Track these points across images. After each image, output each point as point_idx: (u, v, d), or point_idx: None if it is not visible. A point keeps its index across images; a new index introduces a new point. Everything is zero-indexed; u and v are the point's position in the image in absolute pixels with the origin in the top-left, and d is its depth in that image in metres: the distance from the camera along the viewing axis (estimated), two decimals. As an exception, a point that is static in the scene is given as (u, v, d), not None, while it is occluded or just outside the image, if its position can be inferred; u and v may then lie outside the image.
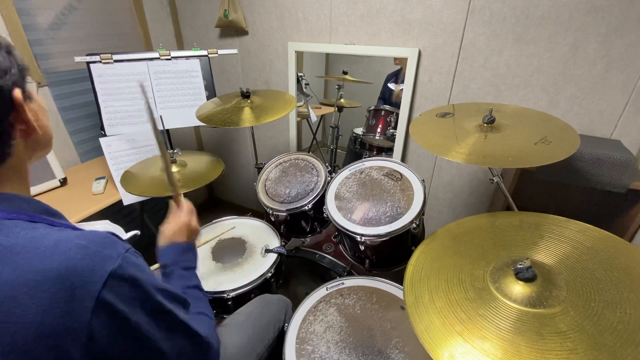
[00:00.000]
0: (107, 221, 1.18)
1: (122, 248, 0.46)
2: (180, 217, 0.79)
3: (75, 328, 0.39)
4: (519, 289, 0.63)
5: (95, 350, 0.41)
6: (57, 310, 0.39)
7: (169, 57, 1.55)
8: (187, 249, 0.77)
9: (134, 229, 1.16)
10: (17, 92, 0.45)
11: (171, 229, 0.77)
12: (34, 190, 1.38)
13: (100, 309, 0.41)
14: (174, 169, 1.27)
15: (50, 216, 0.50)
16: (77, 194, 1.43)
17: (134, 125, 1.53)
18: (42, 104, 0.52)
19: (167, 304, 0.52)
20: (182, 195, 0.83)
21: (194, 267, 0.76)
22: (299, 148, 2.01)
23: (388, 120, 1.63)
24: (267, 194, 1.30)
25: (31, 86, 0.49)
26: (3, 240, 0.41)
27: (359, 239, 1.01)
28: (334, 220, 1.08)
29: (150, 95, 1.55)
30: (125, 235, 1.12)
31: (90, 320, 0.40)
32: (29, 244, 0.41)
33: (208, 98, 1.64)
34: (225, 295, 1.04)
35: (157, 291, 0.50)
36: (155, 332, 0.48)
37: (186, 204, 0.82)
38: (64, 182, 1.47)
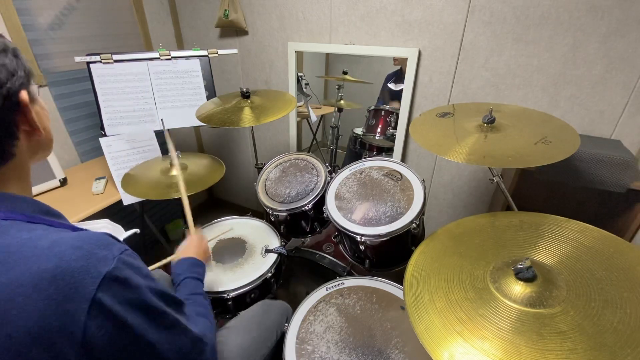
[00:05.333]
0: (107, 220, 1.18)
1: (118, 250, 0.46)
2: (193, 239, 0.94)
3: (70, 329, 0.39)
4: (519, 289, 0.63)
5: (91, 352, 0.41)
6: (53, 312, 0.39)
7: (169, 57, 1.55)
8: (197, 264, 0.87)
9: (133, 229, 1.16)
10: (24, 94, 0.46)
11: (185, 247, 0.91)
12: (34, 190, 1.38)
13: (96, 310, 0.41)
14: (174, 172, 1.27)
15: (51, 217, 0.50)
16: (77, 194, 1.43)
17: (134, 125, 1.53)
18: (44, 106, 0.53)
19: (163, 305, 0.52)
20: (194, 225, 1.00)
21: (201, 280, 0.84)
22: (299, 148, 2.01)
23: (388, 120, 1.63)
24: (267, 194, 1.30)
25: (34, 89, 0.51)
26: None
27: (359, 239, 1.01)
28: (334, 220, 1.08)
29: (150, 95, 1.55)
30: (125, 234, 1.12)
31: (86, 321, 0.40)
32: (24, 245, 0.41)
33: (208, 98, 1.64)
34: (225, 295, 1.05)
35: (152, 293, 0.50)
36: (151, 333, 0.48)
37: (198, 232, 0.99)
38: (64, 182, 1.47)
